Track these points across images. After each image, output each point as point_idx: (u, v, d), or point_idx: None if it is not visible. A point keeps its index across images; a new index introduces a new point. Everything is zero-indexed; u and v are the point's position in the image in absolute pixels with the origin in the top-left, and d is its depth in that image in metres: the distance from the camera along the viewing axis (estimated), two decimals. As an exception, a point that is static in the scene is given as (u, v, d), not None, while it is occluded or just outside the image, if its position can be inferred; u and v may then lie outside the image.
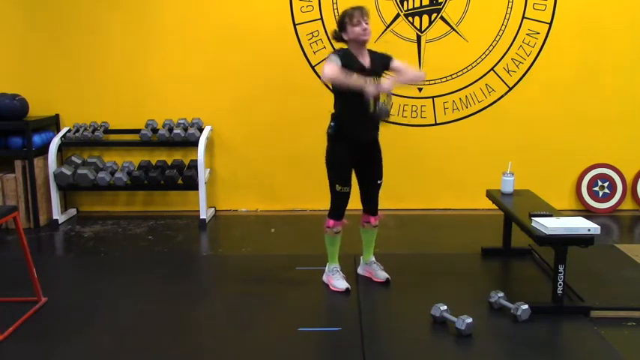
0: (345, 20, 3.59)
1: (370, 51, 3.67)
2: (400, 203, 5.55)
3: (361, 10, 3.57)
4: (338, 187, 3.69)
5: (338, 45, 3.76)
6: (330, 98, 3.71)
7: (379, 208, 3.93)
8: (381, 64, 3.66)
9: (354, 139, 3.64)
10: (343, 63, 3.49)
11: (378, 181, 3.83)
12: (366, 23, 3.56)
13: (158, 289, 3.89)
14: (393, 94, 3.72)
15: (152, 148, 5.55)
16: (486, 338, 3.18)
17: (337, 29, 3.65)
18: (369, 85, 3.42)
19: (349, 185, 3.71)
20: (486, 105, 5.47)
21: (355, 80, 3.42)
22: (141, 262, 4.42)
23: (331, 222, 3.78)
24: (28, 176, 5.20)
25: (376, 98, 3.47)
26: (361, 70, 3.53)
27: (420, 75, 4.06)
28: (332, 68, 3.45)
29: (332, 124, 3.66)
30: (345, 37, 3.61)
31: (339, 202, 3.74)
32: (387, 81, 3.55)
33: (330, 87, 3.73)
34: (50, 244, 4.97)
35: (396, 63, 3.70)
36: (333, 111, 3.69)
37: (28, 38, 5.43)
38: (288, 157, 5.56)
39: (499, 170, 4.34)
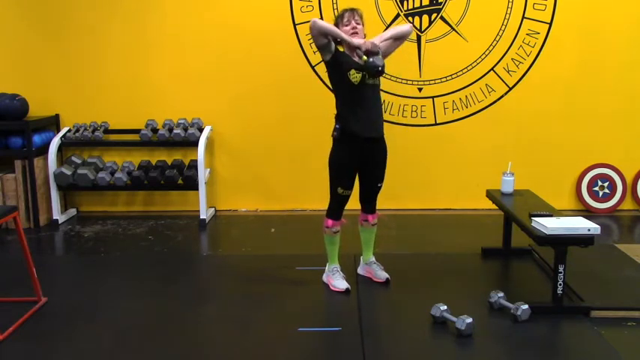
0: (337, 22, 3.62)
1: None
2: (400, 203, 5.55)
3: (352, 11, 3.60)
4: (340, 190, 3.68)
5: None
6: (329, 99, 3.71)
7: (378, 207, 3.93)
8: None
9: (359, 135, 3.59)
10: (339, 59, 3.53)
11: (379, 184, 3.81)
12: (357, 23, 3.56)
13: (158, 289, 3.88)
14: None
15: (152, 148, 5.55)
16: (486, 338, 3.18)
17: None
18: (359, 40, 3.49)
19: (351, 189, 3.71)
20: (486, 105, 5.47)
21: (343, 34, 3.49)
22: (141, 262, 4.42)
23: (330, 222, 3.78)
24: (28, 176, 5.20)
25: (368, 53, 3.44)
26: (355, 65, 3.53)
27: (404, 28, 3.65)
28: (324, 22, 3.51)
29: (337, 126, 3.63)
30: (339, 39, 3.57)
31: (338, 202, 3.74)
32: (374, 38, 3.54)
33: (330, 87, 3.73)
34: (50, 244, 4.97)
35: (378, 40, 3.56)
36: (335, 112, 3.68)
37: (28, 38, 5.44)
38: (288, 157, 5.56)
39: (499, 170, 4.34)
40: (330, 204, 3.77)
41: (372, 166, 3.74)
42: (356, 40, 3.50)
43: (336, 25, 3.62)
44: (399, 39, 3.65)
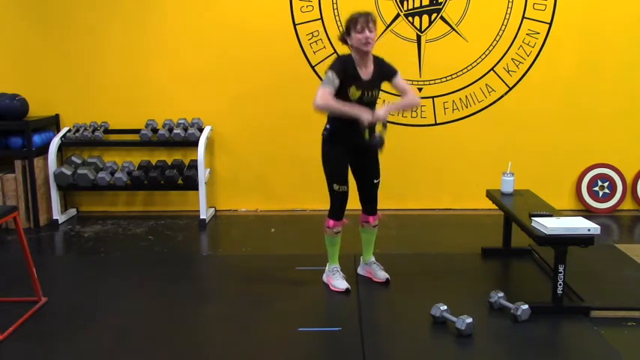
0: (349, 25, 3.50)
1: (376, 58, 3.61)
2: (400, 203, 5.55)
3: (367, 17, 3.45)
4: (336, 187, 3.68)
5: (341, 49, 3.73)
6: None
7: (379, 207, 3.93)
8: (383, 75, 3.62)
9: (347, 140, 3.62)
10: (341, 72, 3.46)
11: (375, 181, 3.81)
12: (370, 31, 3.45)
13: (158, 289, 3.88)
14: (389, 122, 3.69)
15: (152, 148, 5.55)
16: (486, 338, 3.18)
17: (343, 32, 3.58)
18: (364, 114, 3.45)
19: (346, 184, 3.70)
20: (486, 105, 5.47)
21: (349, 109, 3.45)
22: (141, 262, 4.42)
23: (331, 222, 3.77)
24: (28, 176, 5.20)
25: (372, 127, 3.50)
26: (358, 81, 3.51)
27: (417, 101, 3.85)
28: (324, 96, 3.42)
29: (327, 126, 3.65)
30: (349, 41, 3.55)
31: (337, 201, 3.73)
32: (382, 110, 3.51)
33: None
34: (50, 244, 4.97)
35: (398, 80, 3.64)
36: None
37: (27, 38, 5.44)
38: (289, 157, 5.56)
39: (499, 170, 4.34)
40: (331, 204, 3.76)
41: (364, 163, 3.75)
42: (359, 115, 3.43)
43: (348, 28, 3.51)
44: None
